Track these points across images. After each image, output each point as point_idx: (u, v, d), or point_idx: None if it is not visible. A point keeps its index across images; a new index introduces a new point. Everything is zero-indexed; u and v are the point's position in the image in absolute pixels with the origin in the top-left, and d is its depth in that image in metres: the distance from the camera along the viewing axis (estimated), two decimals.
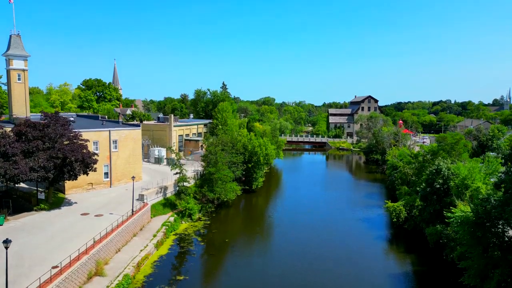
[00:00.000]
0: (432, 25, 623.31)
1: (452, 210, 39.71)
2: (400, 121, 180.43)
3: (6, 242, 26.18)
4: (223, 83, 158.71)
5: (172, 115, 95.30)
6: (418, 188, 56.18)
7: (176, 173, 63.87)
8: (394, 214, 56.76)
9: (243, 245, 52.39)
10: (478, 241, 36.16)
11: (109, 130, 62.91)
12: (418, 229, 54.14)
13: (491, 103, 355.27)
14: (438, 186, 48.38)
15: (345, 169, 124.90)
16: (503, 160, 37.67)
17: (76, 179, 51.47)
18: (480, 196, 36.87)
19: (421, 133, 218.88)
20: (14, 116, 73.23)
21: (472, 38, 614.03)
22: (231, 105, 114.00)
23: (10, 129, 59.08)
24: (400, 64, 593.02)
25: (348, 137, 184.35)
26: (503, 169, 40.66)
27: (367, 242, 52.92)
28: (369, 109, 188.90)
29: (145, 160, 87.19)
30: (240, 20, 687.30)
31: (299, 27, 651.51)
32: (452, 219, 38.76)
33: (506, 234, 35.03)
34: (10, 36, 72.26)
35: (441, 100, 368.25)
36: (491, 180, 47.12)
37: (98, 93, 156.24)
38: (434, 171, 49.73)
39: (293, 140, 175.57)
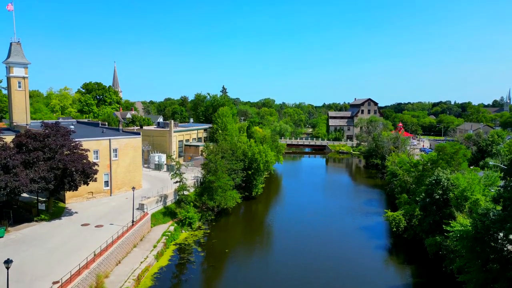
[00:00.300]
0: (432, 26, 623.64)
1: (451, 224, 39.83)
2: (400, 124, 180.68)
3: (7, 262, 26.27)
4: (223, 87, 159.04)
5: (172, 121, 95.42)
6: (417, 198, 56.32)
7: (176, 181, 63.95)
8: (393, 223, 56.88)
9: (243, 255, 52.47)
10: (477, 255, 36.33)
11: (109, 139, 62.99)
12: (418, 238, 54.28)
13: (491, 104, 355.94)
14: (438, 197, 48.48)
15: (345, 174, 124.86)
16: (502, 174, 37.73)
17: (76, 189, 51.61)
18: (480, 210, 36.95)
19: (421, 135, 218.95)
20: (14, 124, 73.32)
21: (472, 39, 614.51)
22: (231, 109, 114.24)
23: (10, 137, 59.34)
24: (400, 65, 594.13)
25: (348, 140, 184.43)
26: (501, 182, 40.86)
27: (367, 251, 53.08)
28: (369, 112, 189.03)
29: (145, 166, 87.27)
30: (240, 21, 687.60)
31: (299, 28, 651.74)
32: (451, 233, 38.91)
33: (505, 249, 35.21)
34: (11, 43, 72.30)
35: (441, 101, 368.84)
36: (491, 191, 47.29)
37: (98, 97, 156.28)
38: (434, 181, 49.83)
39: (293, 143, 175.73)
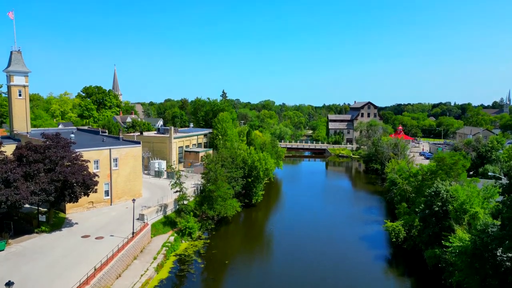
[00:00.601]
0: (432, 26, 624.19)
1: (450, 239, 39.95)
2: (400, 127, 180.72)
3: (9, 284, 26.43)
4: (223, 91, 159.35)
5: (172, 127, 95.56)
6: (417, 209, 56.43)
7: (176, 191, 64.11)
8: (393, 234, 56.99)
9: (242, 265, 52.62)
10: (476, 271, 36.53)
11: (110, 149, 63.12)
12: (417, 249, 54.42)
13: (490, 105, 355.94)
14: (437, 208, 48.59)
15: (345, 179, 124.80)
16: (500, 189, 37.89)
17: (77, 201, 51.72)
18: (478, 226, 37.10)
19: (421, 137, 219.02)
20: (15, 132, 73.63)
21: (472, 39, 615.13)
22: (230, 114, 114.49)
23: (11, 146, 59.59)
24: (400, 65, 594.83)
25: (348, 143, 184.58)
26: (499, 197, 40.99)
27: (367, 261, 53.29)
28: (368, 115, 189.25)
29: (145, 172, 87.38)
30: (240, 22, 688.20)
31: (299, 29, 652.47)
32: (450, 249, 39.07)
33: (503, 264, 35.36)
34: (11, 52, 72.59)
35: (440, 102, 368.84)
36: (490, 203, 47.43)
37: (98, 101, 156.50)
38: (433, 193, 49.97)
39: (293, 147, 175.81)
